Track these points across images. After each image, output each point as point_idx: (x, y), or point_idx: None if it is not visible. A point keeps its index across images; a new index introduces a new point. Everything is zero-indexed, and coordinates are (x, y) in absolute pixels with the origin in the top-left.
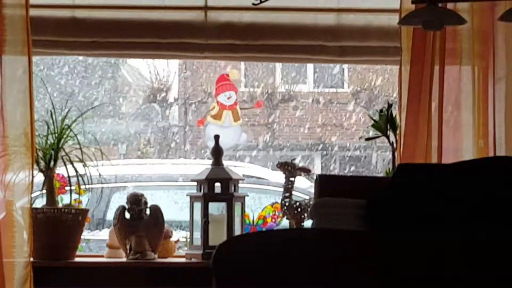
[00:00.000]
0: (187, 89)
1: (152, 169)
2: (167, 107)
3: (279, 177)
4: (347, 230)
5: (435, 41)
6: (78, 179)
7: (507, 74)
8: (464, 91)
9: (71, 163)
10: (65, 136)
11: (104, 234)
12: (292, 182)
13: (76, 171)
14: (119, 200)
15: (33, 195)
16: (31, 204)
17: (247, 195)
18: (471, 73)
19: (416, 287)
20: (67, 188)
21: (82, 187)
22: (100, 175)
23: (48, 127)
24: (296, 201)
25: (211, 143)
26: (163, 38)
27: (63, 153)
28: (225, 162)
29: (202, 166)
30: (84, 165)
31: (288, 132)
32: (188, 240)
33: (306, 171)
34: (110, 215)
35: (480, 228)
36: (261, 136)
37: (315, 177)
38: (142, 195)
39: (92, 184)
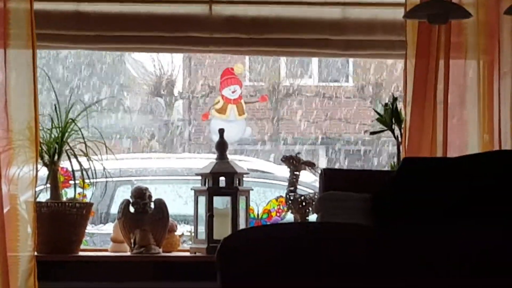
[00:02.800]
0: (192, 83)
1: (157, 163)
2: (172, 101)
3: (284, 171)
4: (352, 224)
5: (440, 35)
6: (82, 173)
7: None
8: (470, 85)
9: (75, 157)
10: (69, 130)
11: (109, 228)
12: (297, 176)
13: (81, 165)
14: (124, 194)
15: (37, 189)
16: (35, 198)
17: (252, 189)
18: (477, 67)
19: (420, 281)
20: (71, 182)
21: (87, 181)
22: (104, 169)
23: (52, 121)
24: (300, 195)
25: (216, 137)
26: (168, 32)
27: (67, 147)
28: (230, 156)
29: (206, 160)
30: (89, 159)
31: (293, 126)
32: (193, 234)
33: (311, 165)
34: (115, 209)
35: (485, 222)
36: (265, 130)
37: (319, 171)
38: (146, 189)
39: (96, 178)
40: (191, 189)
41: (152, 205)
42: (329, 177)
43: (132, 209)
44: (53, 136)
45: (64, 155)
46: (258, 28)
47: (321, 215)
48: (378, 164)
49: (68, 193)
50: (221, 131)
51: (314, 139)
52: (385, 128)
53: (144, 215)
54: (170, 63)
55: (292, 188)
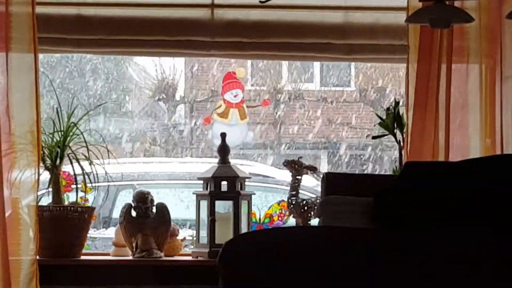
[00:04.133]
0: (193, 87)
1: (158, 167)
2: (173, 105)
3: (286, 175)
4: (353, 228)
5: (443, 39)
6: (84, 177)
7: None
8: (471, 90)
9: (77, 161)
10: (71, 134)
11: (110, 232)
12: (299, 180)
13: (82, 169)
14: (125, 198)
15: (39, 193)
16: (37, 202)
17: (254, 193)
18: (479, 71)
19: (422, 282)
20: (73, 186)
21: (88, 185)
22: (106, 173)
23: (54, 125)
24: (302, 200)
25: (218, 141)
26: (170, 36)
27: (69, 151)
28: (232, 160)
29: (208, 164)
30: (90, 163)
31: (295, 130)
32: (195, 238)
33: (313, 169)
34: (116, 213)
35: (486, 225)
36: (267, 135)
37: (321, 175)
38: (148, 193)
39: (98, 182)
40: (193, 193)
41: (154, 209)
42: (331, 181)
43: (134, 213)
44: (55, 140)
45: (66, 159)
46: (260, 32)
47: (322, 219)
48: (380, 168)
49: (70, 197)
50: (223, 135)
51: (316, 143)
52: (387, 133)
53: (146, 219)
54: (172, 67)
55: (294, 193)
